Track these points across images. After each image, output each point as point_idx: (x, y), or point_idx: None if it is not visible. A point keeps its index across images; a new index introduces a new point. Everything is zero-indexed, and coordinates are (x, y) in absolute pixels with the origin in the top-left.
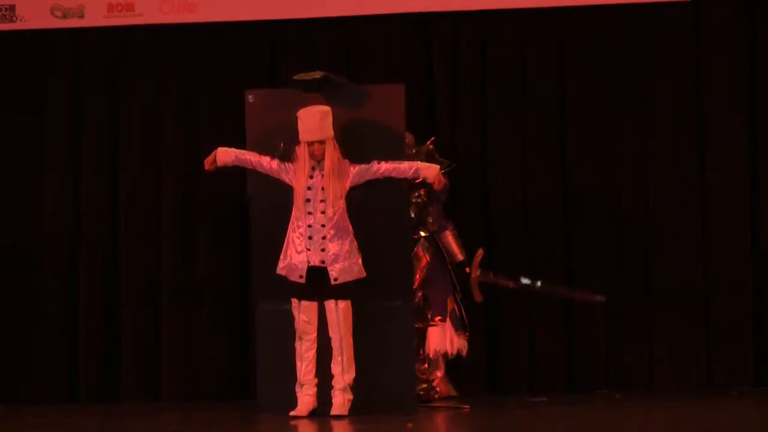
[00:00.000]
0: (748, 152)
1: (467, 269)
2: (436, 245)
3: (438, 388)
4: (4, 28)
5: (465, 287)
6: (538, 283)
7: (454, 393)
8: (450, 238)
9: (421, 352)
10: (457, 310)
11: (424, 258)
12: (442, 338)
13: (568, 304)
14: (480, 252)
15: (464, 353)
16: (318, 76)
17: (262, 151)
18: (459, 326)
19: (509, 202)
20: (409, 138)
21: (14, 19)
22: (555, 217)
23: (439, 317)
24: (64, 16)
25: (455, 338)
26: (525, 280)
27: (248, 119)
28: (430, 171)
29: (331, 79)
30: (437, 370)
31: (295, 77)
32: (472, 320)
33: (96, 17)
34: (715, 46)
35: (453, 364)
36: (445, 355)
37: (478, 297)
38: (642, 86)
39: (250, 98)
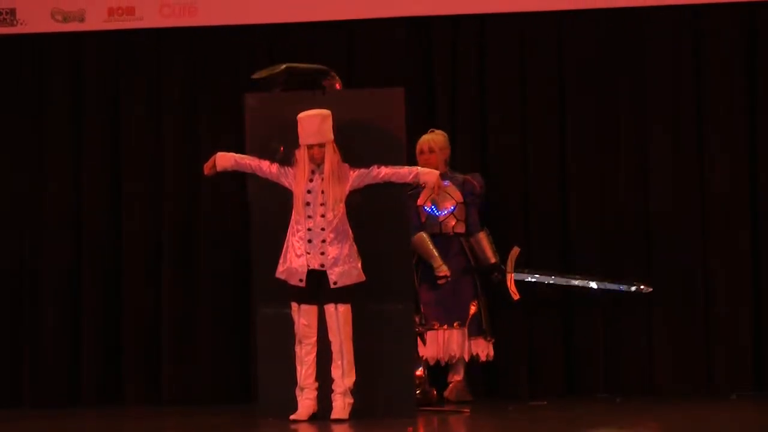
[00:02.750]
0: (747, 152)
1: (502, 266)
2: (460, 249)
3: (450, 392)
4: (4, 32)
5: (491, 289)
6: (577, 279)
7: (468, 398)
8: (483, 242)
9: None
10: (480, 314)
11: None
12: (458, 343)
13: (566, 304)
14: (516, 250)
15: (482, 358)
16: (278, 70)
17: (261, 155)
18: (476, 331)
19: (508, 202)
20: (438, 141)
21: (15, 23)
22: (554, 218)
23: (458, 322)
24: (65, 20)
25: (469, 343)
26: (561, 278)
27: (248, 123)
28: (429, 176)
29: (296, 70)
30: (456, 374)
31: (254, 76)
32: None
33: (96, 21)
34: (714, 45)
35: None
36: (461, 359)
37: (515, 296)
38: (641, 87)
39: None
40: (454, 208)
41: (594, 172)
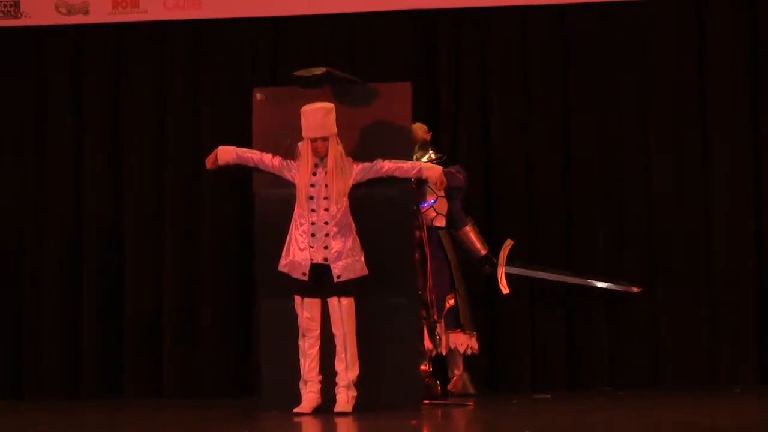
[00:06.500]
0: (748, 151)
1: (493, 259)
2: (438, 242)
3: (454, 386)
4: (8, 24)
5: (476, 282)
6: (568, 276)
7: (472, 391)
8: (471, 234)
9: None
10: (456, 307)
11: None
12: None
13: (569, 301)
14: (509, 242)
15: (461, 350)
16: (319, 73)
17: (268, 149)
18: (452, 324)
19: (512, 196)
20: (421, 130)
21: (19, 15)
22: (558, 213)
23: (436, 314)
24: (69, 13)
25: (447, 336)
26: (553, 274)
27: (255, 117)
28: (432, 171)
29: (334, 75)
30: (456, 368)
31: (296, 73)
32: (473, 317)
33: (100, 14)
34: (716, 40)
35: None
36: (464, 352)
37: (505, 289)
38: (645, 82)
39: (258, 96)
40: (435, 201)
41: (597, 168)
